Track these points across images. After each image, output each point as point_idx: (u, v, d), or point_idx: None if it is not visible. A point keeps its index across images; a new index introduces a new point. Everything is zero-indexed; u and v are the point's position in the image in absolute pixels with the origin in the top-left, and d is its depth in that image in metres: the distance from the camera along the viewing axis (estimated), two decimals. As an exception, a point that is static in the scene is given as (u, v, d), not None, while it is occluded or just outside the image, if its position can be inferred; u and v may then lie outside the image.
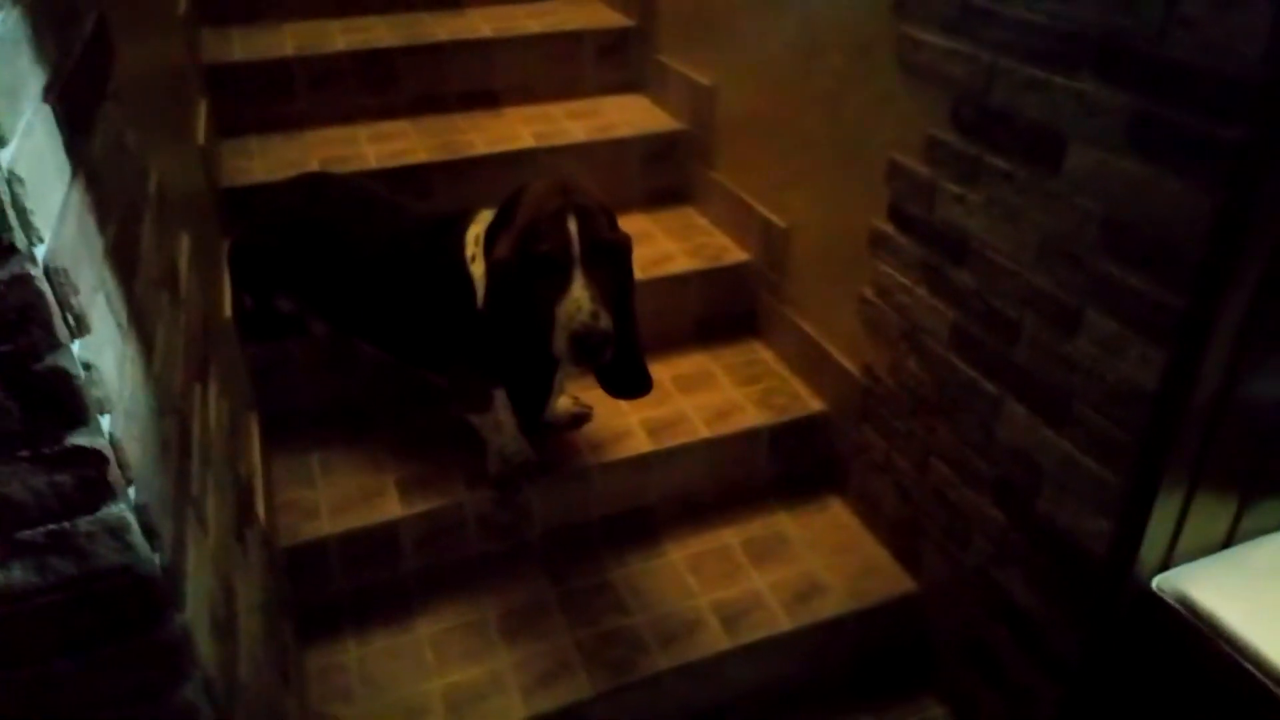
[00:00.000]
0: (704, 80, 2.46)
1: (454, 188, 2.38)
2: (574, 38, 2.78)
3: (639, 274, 1.70)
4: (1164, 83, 1.16)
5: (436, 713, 1.65)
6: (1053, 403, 1.44)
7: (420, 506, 1.85)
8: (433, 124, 2.62)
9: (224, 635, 1.03)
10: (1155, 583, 1.40)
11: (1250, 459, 1.37)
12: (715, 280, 2.33)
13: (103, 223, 0.88)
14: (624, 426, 2.05)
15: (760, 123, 2.23)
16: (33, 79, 0.77)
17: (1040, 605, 1.55)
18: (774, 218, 2.21)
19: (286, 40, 2.69)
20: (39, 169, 0.72)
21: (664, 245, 2.42)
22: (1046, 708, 1.58)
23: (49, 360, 0.71)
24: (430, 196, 2.37)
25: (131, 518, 0.80)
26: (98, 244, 0.85)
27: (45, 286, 0.70)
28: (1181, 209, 1.17)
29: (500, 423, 1.85)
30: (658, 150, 2.59)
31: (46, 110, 0.78)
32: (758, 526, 2.04)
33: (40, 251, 0.70)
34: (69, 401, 0.73)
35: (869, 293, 1.87)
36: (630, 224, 1.67)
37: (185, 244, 1.37)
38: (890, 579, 1.91)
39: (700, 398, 2.15)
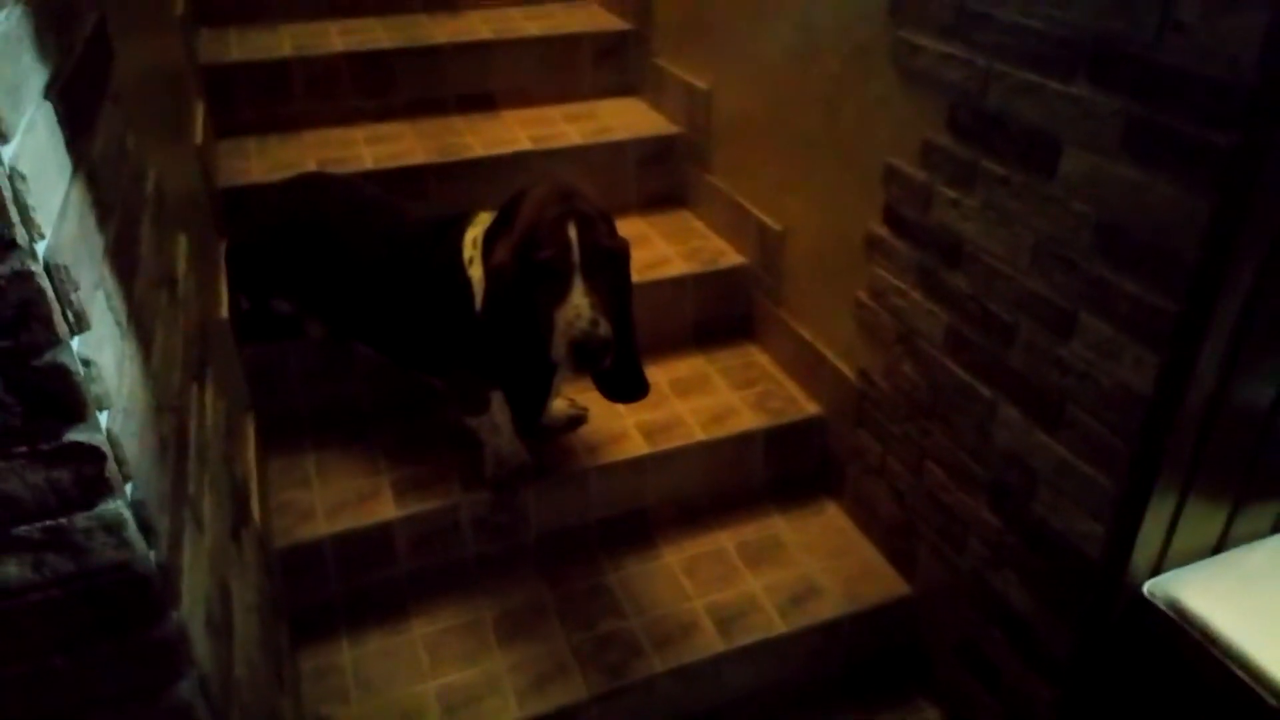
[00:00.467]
0: (701, 84, 2.46)
1: (450, 190, 2.39)
2: (571, 41, 2.79)
3: (635, 277, 1.70)
4: (1159, 88, 1.17)
5: (432, 714, 1.65)
6: (1047, 406, 1.44)
7: (416, 508, 1.85)
8: (430, 126, 2.63)
9: (220, 634, 1.03)
10: (1147, 587, 1.41)
11: (1243, 463, 1.37)
12: (711, 284, 2.34)
13: (103, 221, 0.89)
14: (620, 429, 2.05)
15: (756, 126, 2.24)
16: (35, 76, 0.77)
17: (1035, 609, 1.55)
18: (770, 221, 2.22)
19: (284, 41, 2.69)
20: (41, 166, 0.72)
21: (660, 249, 2.43)
22: (1042, 711, 1.58)
23: (48, 356, 0.72)
24: (426, 198, 2.37)
25: (129, 515, 0.80)
26: (98, 242, 0.85)
27: (46, 283, 0.70)
28: (1176, 213, 1.17)
29: (497, 425, 1.85)
30: (654, 153, 2.60)
31: (48, 108, 0.78)
32: (753, 529, 2.04)
33: (41, 248, 0.70)
34: (68, 397, 0.74)
35: (864, 296, 1.88)
36: (626, 227, 1.68)
37: (183, 244, 1.37)
38: (885, 582, 1.91)
39: (696, 401, 2.16)
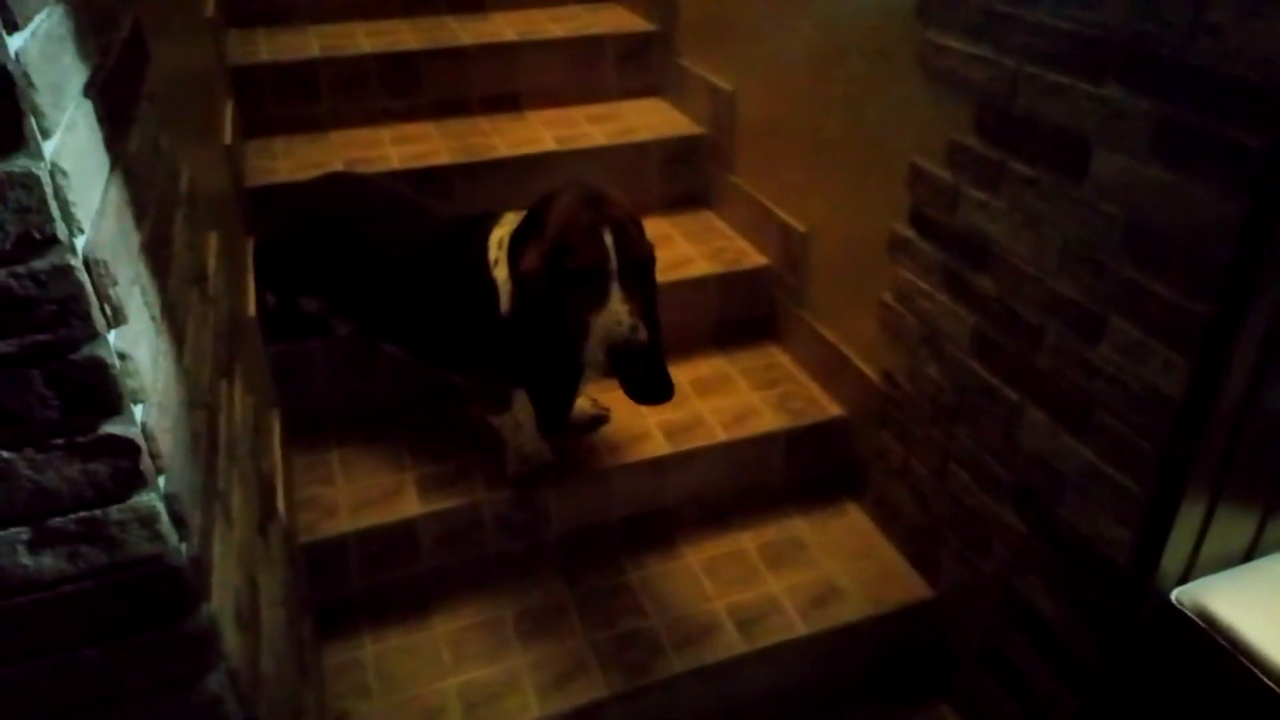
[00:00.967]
0: (724, 84, 2.46)
1: (475, 190, 2.40)
2: (596, 42, 2.80)
3: (658, 277, 1.71)
4: (1190, 89, 1.16)
5: (452, 711, 1.66)
6: (1074, 409, 1.43)
7: (439, 505, 1.86)
8: (455, 126, 2.64)
9: (248, 628, 1.04)
10: (1175, 594, 1.39)
11: (1274, 470, 1.36)
12: (734, 284, 2.33)
13: (139, 218, 0.90)
14: (642, 429, 2.05)
15: (780, 127, 2.24)
16: (75, 75, 0.78)
17: (1061, 614, 1.54)
18: (793, 222, 2.22)
19: (312, 42, 2.72)
20: (80, 163, 0.74)
21: (683, 249, 2.43)
22: (1066, 718, 1.57)
23: (86, 350, 0.73)
24: (451, 198, 2.38)
25: (161, 507, 0.81)
26: (134, 239, 0.87)
27: (84, 278, 0.71)
28: (1207, 216, 1.16)
29: (520, 423, 1.86)
30: (677, 154, 2.60)
31: (88, 106, 0.79)
32: (774, 530, 2.04)
33: (80, 243, 0.71)
34: (104, 390, 0.75)
35: (889, 298, 1.87)
36: (649, 227, 1.68)
37: (214, 242, 1.39)
38: (907, 585, 1.90)
39: (718, 401, 2.15)
